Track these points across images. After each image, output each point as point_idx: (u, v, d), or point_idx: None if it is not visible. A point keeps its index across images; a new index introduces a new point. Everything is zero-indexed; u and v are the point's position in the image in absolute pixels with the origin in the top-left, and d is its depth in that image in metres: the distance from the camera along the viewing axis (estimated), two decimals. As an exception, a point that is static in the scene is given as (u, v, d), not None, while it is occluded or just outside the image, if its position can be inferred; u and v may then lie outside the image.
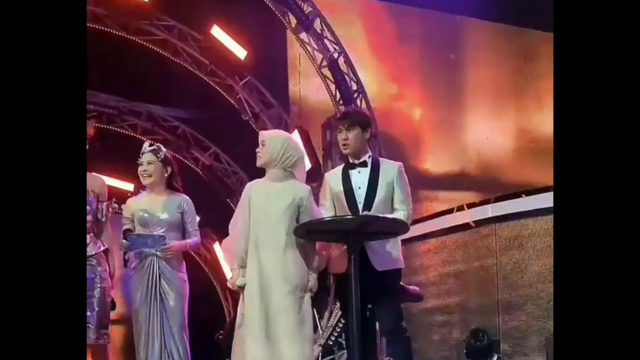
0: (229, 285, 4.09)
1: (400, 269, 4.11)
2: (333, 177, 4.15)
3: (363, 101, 10.69)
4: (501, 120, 11.71)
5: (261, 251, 3.94)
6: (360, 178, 4.05)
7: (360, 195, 4.01)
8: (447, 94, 11.43)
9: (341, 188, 4.07)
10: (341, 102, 10.73)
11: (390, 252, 4.02)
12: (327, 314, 9.63)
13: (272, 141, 4.08)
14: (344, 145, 4.08)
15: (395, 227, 3.97)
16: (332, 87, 10.75)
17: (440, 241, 6.99)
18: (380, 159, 4.16)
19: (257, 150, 4.06)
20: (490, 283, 6.39)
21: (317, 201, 4.19)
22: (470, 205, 6.64)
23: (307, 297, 3.92)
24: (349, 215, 3.99)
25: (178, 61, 11.22)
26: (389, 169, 4.08)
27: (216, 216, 10.08)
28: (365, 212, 3.97)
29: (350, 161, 4.12)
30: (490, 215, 6.49)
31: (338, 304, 9.40)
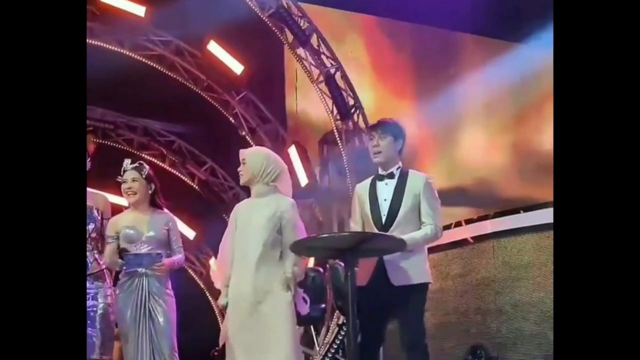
0: (218, 304, 4.11)
1: (424, 283, 4.02)
2: (362, 190, 4.12)
3: (360, 116, 10.72)
4: (500, 136, 11.71)
5: (244, 265, 3.96)
6: (386, 190, 4.02)
7: (384, 207, 3.97)
8: (446, 109, 11.43)
9: (367, 200, 4.02)
10: (338, 117, 10.75)
11: (411, 266, 3.95)
12: (323, 330, 9.56)
13: (253, 158, 4.12)
14: (375, 153, 4.05)
15: (394, 245, 3.89)
16: (329, 102, 10.76)
17: (438, 257, 6.93)
18: (410, 170, 4.11)
19: (239, 169, 4.09)
20: (489, 299, 6.34)
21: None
22: (469, 221, 6.61)
23: (284, 305, 3.90)
24: (346, 232, 3.96)
25: (174, 76, 11.21)
26: (416, 180, 4.03)
27: (212, 231, 10.11)
28: (384, 229, 3.93)
29: (379, 172, 4.08)
30: (489, 231, 6.44)
31: (335, 319, 9.35)
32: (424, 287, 4.05)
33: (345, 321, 4.06)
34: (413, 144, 11.02)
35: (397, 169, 4.08)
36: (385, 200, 4.01)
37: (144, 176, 4.65)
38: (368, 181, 4.17)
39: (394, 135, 4.08)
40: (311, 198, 11.48)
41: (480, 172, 11.73)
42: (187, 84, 11.28)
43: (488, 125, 11.82)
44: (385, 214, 4.00)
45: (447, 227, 6.97)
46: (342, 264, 4.00)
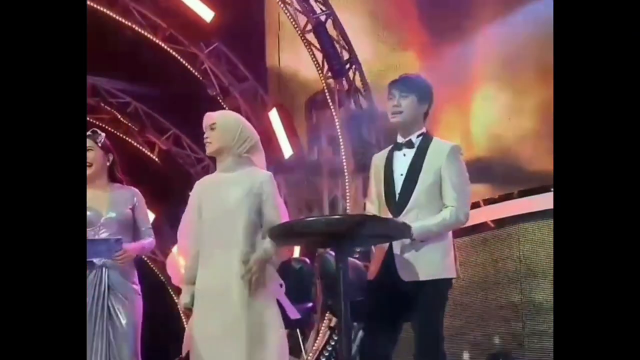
0: (179, 307, 4.06)
1: (445, 279, 3.98)
2: (378, 161, 4.11)
3: (357, 74, 10.67)
4: (523, 97, 11.66)
5: (217, 254, 3.88)
6: (403, 162, 4.00)
7: (399, 184, 3.96)
8: (460, 67, 11.36)
9: (382, 175, 4.02)
10: (329, 74, 10.70)
11: (426, 258, 3.92)
12: (312, 333, 9.59)
13: (225, 123, 4.07)
14: (393, 113, 4.02)
15: (396, 231, 3.83)
16: (319, 56, 10.70)
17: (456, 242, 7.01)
18: (434, 138, 4.07)
19: (205, 136, 4.03)
20: (512, 295, 6.34)
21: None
22: (488, 201, 6.59)
23: (266, 300, 3.90)
24: (338, 215, 3.93)
25: (129, 23, 11.15)
26: (439, 150, 3.99)
27: (176, 213, 10.06)
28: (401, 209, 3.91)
29: (398, 140, 4.06)
30: (513, 213, 6.41)
31: (326, 321, 9.36)
32: (442, 284, 3.99)
33: (337, 324, 4.02)
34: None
35: (417, 137, 4.04)
36: (401, 175, 3.98)
37: (99, 144, 4.62)
38: (386, 151, 4.14)
39: (419, 94, 4.04)
40: (297, 173, 11.48)
41: (501, 141, 11.67)
42: (145, 33, 11.22)
43: (509, 85, 11.78)
44: (399, 192, 3.96)
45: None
46: (333, 254, 3.94)
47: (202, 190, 4.06)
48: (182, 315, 12.08)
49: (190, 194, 4.08)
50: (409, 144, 4.03)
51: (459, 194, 3.95)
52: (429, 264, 3.93)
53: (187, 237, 4.02)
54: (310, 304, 6.54)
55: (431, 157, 3.98)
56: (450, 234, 4.02)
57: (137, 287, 4.59)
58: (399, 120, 4.03)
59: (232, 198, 3.95)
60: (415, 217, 3.89)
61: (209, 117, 4.07)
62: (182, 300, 4.00)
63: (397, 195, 3.96)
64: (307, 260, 6.71)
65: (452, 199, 3.94)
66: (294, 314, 4.26)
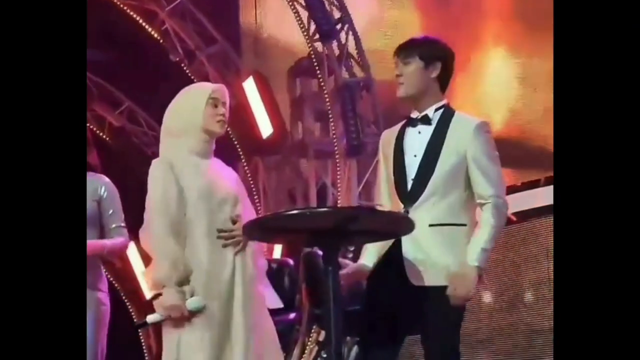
0: (152, 317, 3.94)
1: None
2: (387, 139, 4.09)
3: (349, 36, 10.68)
4: (545, 63, 11.70)
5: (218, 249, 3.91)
6: (417, 141, 3.96)
7: (412, 167, 3.93)
8: (472, 25, 11.39)
9: (392, 156, 4.00)
10: (317, 36, 10.72)
11: (443, 261, 3.89)
12: (297, 349, 9.61)
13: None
14: (398, 84, 3.99)
15: (396, 227, 3.84)
16: (304, 14, 10.74)
17: None
18: (457, 112, 4.03)
19: (222, 112, 4.00)
20: (539, 307, 6.36)
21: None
22: (510, 190, 6.57)
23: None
24: (326, 207, 3.90)
25: (74, -26, 11.15)
26: (463, 127, 3.95)
27: (130, 204, 10.04)
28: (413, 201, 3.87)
29: (411, 115, 4.02)
30: (540, 204, 6.41)
31: (313, 336, 9.39)
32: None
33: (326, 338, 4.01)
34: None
35: (436, 111, 3.99)
36: (415, 156, 3.93)
37: None
38: (398, 127, 4.08)
39: (425, 58, 3.97)
40: (278, 155, 11.47)
41: (524, 115, 11.72)
42: (94, -15, 11.20)
43: (528, 46, 11.82)
44: (413, 177, 3.92)
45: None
46: (321, 254, 3.85)
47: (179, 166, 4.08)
48: (138, 331, 12.10)
49: (157, 171, 4.02)
50: (425, 120, 3.98)
51: (494, 181, 3.90)
52: (443, 268, 3.91)
53: (160, 226, 3.96)
54: (292, 315, 6.52)
55: (453, 135, 3.93)
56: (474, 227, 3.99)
57: (105, 294, 4.65)
58: (402, 94, 3.99)
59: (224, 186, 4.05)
60: (432, 207, 3.87)
61: (224, 94, 4.06)
62: (188, 306, 3.89)
63: (409, 182, 3.93)
64: (290, 261, 6.68)
65: (487, 188, 3.88)
66: (275, 302, 4.23)
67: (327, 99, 10.62)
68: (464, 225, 3.92)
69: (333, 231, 3.68)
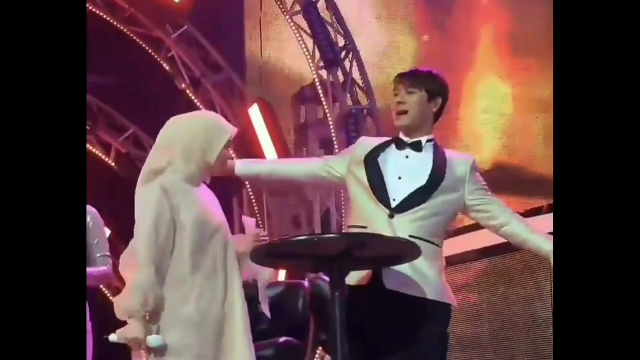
0: (112, 337, 3.85)
1: (446, 304, 4.03)
2: (366, 149, 4.09)
3: (354, 63, 10.69)
4: (546, 88, 11.71)
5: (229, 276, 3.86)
6: (405, 165, 4.04)
7: (396, 188, 3.98)
8: (474, 52, 11.40)
9: (365, 170, 4.04)
10: (322, 64, 10.73)
11: (425, 274, 3.94)
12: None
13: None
14: (398, 112, 4.06)
15: (403, 253, 3.84)
16: (309, 42, 10.76)
17: (466, 269, 6.95)
18: (447, 150, 4.14)
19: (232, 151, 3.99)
20: (542, 333, 6.32)
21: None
22: (523, 215, 6.58)
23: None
24: (333, 233, 3.89)
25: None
26: (459, 162, 4.10)
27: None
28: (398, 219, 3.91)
29: (401, 137, 4.09)
30: (544, 231, 6.40)
31: (319, 355, 9.32)
32: (443, 310, 4.02)
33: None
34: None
35: (427, 141, 4.07)
36: (400, 179, 3.99)
37: None
38: (377, 141, 4.13)
39: (429, 90, 4.08)
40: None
41: (527, 139, 11.71)
42: (102, 14, 11.24)
43: (529, 72, 11.82)
44: (404, 198, 3.96)
45: (479, 226, 6.95)
46: (327, 280, 3.88)
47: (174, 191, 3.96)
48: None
49: (159, 193, 3.96)
50: (416, 146, 4.06)
51: (505, 206, 4.10)
52: (429, 282, 3.95)
53: (148, 248, 3.87)
54: (282, 339, 6.46)
55: (452, 170, 4.03)
56: (443, 255, 4.09)
57: (88, 325, 4.58)
58: (405, 123, 4.05)
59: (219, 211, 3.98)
60: (415, 224, 3.93)
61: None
62: (135, 337, 3.81)
63: (391, 201, 3.96)
64: (305, 283, 6.62)
65: (504, 211, 4.08)
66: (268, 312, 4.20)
67: (332, 127, 10.61)
68: (438, 246, 4.01)
69: (340, 257, 3.68)
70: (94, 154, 12.09)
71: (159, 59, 11.49)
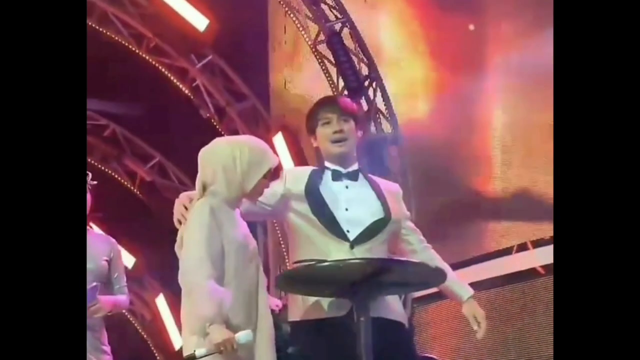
0: (201, 351, 3.83)
1: (407, 328, 4.11)
2: (296, 179, 4.09)
3: (378, 92, 10.67)
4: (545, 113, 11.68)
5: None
6: (348, 195, 4.07)
7: (347, 220, 4.02)
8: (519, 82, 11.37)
9: (307, 202, 4.04)
10: (346, 93, 10.68)
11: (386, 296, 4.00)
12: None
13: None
14: (338, 140, 4.09)
15: (430, 279, 3.88)
16: (333, 72, 10.73)
17: (490, 295, 6.92)
18: (370, 176, 4.25)
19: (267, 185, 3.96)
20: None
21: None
22: (537, 243, 6.55)
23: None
24: (359, 258, 3.86)
25: (108, 32, 11.25)
26: (391, 189, 4.21)
27: (160, 257, 10.05)
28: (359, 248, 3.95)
29: (335, 167, 4.13)
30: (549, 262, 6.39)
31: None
32: (404, 333, 4.10)
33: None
34: (456, 127, 10.99)
35: (358, 170, 4.17)
36: (347, 210, 4.03)
37: (89, 187, 4.77)
38: (305, 172, 4.15)
39: (356, 119, 4.18)
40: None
41: (548, 164, 11.61)
42: (127, 43, 11.30)
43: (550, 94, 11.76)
44: (353, 229, 3.99)
45: (506, 252, 6.90)
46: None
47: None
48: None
49: (205, 211, 3.94)
50: (353, 176, 4.12)
51: (421, 238, 4.19)
52: (390, 301, 4.01)
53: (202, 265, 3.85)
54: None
55: (387, 196, 4.11)
56: None
57: (108, 349, 4.68)
58: (344, 151, 4.11)
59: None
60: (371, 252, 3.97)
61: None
62: (239, 338, 3.81)
63: (347, 233, 3.99)
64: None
65: (421, 239, 4.17)
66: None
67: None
68: None
69: (365, 283, 3.67)
70: (120, 182, 12.15)
71: (183, 88, 11.53)
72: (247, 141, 4.01)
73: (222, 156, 3.87)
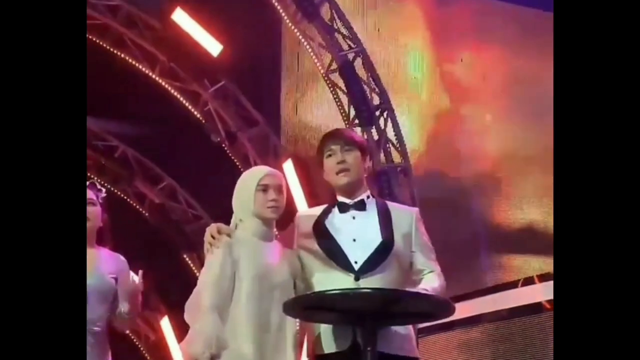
0: None
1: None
2: (308, 221, 4.13)
3: (389, 121, 10.69)
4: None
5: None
6: (355, 226, 4.06)
7: (354, 250, 3.99)
8: (517, 110, 11.36)
9: (315, 239, 4.06)
10: (357, 121, 10.73)
11: (396, 328, 3.92)
12: None
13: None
14: (341, 170, 4.09)
15: (438, 310, 3.84)
16: (344, 100, 10.76)
17: (494, 328, 6.91)
18: (388, 202, 4.23)
19: (274, 198, 4.04)
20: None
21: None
22: (544, 277, 6.52)
23: None
24: (366, 288, 3.85)
25: (122, 55, 11.27)
26: (403, 215, 4.16)
27: (167, 278, 10.00)
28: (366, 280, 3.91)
29: (341, 200, 4.12)
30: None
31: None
32: None
33: None
34: (470, 157, 10.94)
35: (367, 197, 4.14)
36: (354, 240, 4.01)
37: (100, 201, 4.70)
38: (316, 211, 4.18)
39: (361, 149, 4.18)
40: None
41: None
42: (140, 66, 11.32)
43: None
44: (359, 260, 3.96)
45: (512, 285, 6.85)
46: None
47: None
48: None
49: (223, 247, 4.08)
50: (360, 205, 4.10)
51: (432, 255, 4.11)
52: (399, 336, 3.94)
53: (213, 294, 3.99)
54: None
55: (397, 221, 4.07)
56: None
57: None
58: (347, 181, 4.09)
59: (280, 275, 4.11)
60: (380, 282, 3.94)
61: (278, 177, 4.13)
62: None
63: (354, 264, 3.97)
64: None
65: (430, 261, 4.09)
66: None
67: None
68: None
69: (375, 312, 3.67)
70: (129, 203, 12.13)
71: (195, 112, 11.52)
72: (244, 173, 4.20)
73: (234, 197, 4.10)
